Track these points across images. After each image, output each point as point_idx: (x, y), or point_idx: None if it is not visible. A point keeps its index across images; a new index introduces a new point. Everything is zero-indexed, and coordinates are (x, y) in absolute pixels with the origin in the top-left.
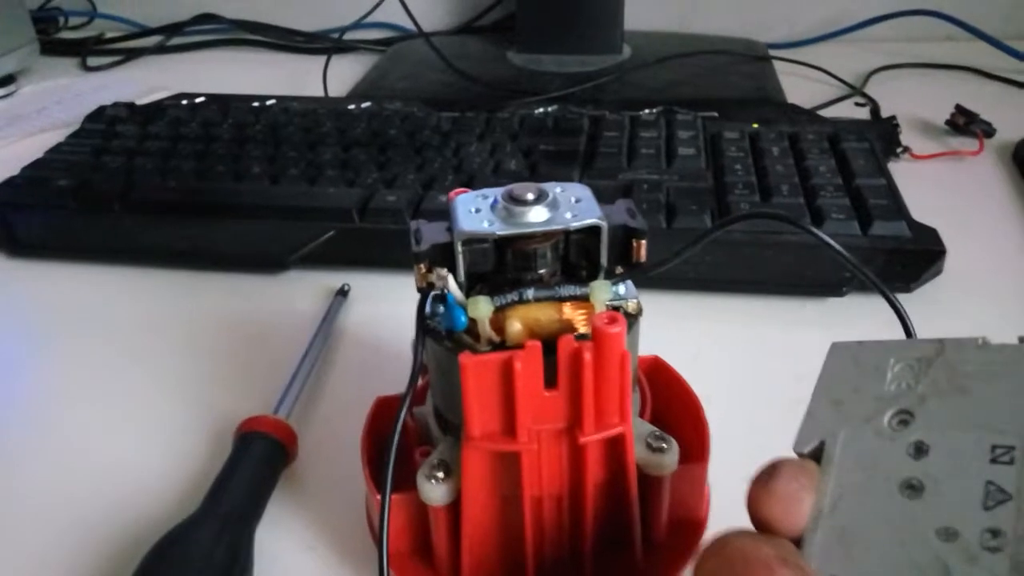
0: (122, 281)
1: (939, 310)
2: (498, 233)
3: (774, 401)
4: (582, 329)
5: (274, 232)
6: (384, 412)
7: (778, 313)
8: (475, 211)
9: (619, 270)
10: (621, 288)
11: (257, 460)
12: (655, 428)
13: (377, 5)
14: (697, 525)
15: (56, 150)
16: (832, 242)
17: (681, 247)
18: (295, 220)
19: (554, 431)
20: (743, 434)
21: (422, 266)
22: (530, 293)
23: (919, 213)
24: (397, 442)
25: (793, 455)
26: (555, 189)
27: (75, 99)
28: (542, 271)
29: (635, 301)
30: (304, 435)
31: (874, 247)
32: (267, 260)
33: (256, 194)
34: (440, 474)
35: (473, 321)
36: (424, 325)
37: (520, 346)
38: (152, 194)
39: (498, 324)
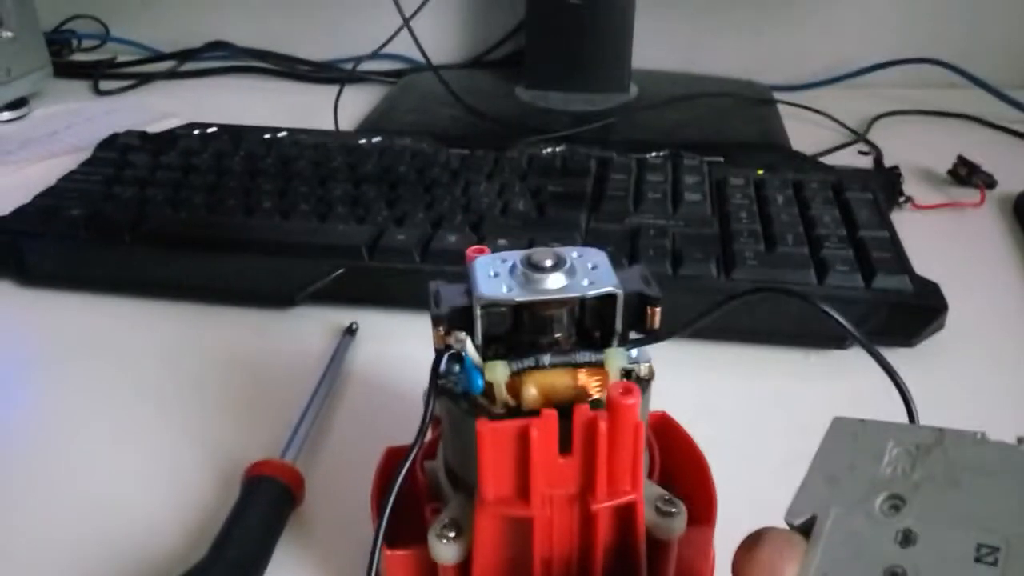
0: (131, 313)
1: (940, 366)
2: (517, 299)
3: (775, 453)
4: (596, 395)
5: (284, 268)
6: (394, 464)
7: (781, 364)
8: (494, 275)
9: (632, 335)
10: (634, 351)
11: (265, 506)
12: (664, 491)
13: (393, 37)
14: None
15: (68, 178)
16: (853, 329)
17: (694, 316)
18: (305, 257)
19: (566, 496)
20: (743, 488)
21: (440, 329)
22: (546, 359)
23: (921, 265)
24: (407, 495)
25: (783, 522)
26: (572, 255)
27: (86, 123)
28: (558, 335)
29: (648, 365)
30: (311, 478)
31: (876, 301)
32: (276, 296)
33: (267, 229)
34: (451, 534)
35: (489, 384)
36: (439, 385)
37: (535, 412)
38: (163, 226)
39: (514, 388)
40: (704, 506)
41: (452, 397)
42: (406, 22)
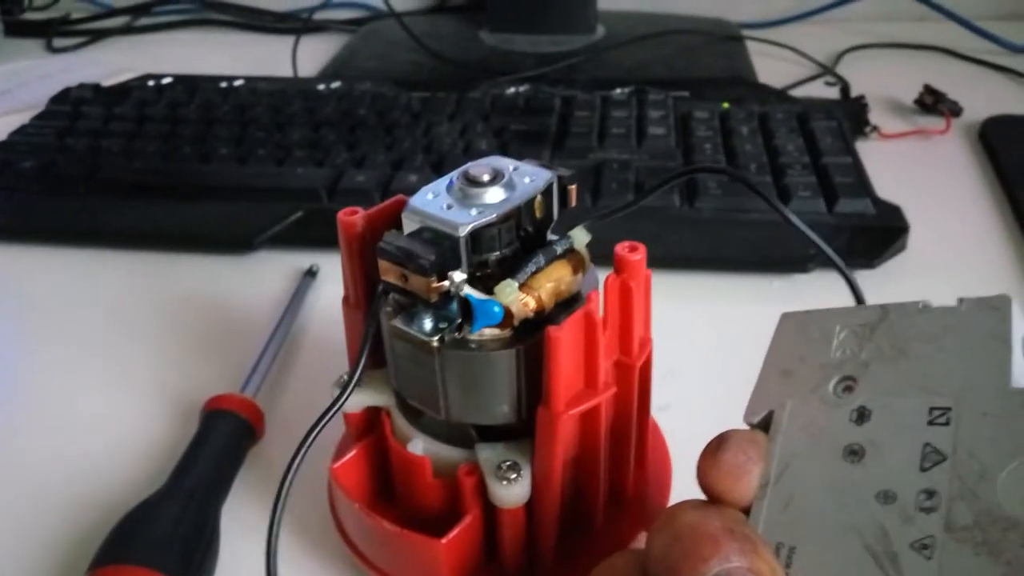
0: (88, 264)
1: (901, 286)
2: (494, 215)
3: (740, 376)
4: (580, 275)
5: (242, 213)
6: None
7: (744, 290)
8: (447, 207)
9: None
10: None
11: (223, 437)
12: None
13: None
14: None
15: (20, 132)
16: (781, 207)
17: (647, 189)
18: (263, 201)
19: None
20: (709, 410)
21: (432, 279)
22: (541, 259)
23: (885, 191)
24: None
25: (745, 426)
26: (508, 168)
27: (40, 81)
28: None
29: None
30: (272, 414)
31: (839, 224)
32: (235, 241)
33: (223, 175)
34: (513, 475)
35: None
36: (402, 331)
37: (540, 313)
38: (118, 175)
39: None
40: None
41: (460, 345)
42: None
